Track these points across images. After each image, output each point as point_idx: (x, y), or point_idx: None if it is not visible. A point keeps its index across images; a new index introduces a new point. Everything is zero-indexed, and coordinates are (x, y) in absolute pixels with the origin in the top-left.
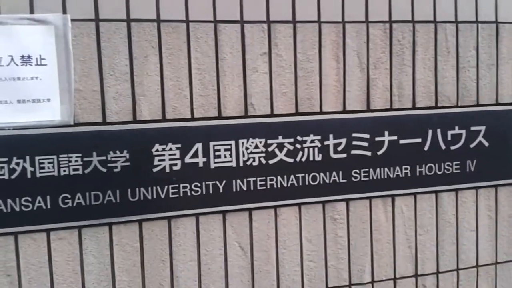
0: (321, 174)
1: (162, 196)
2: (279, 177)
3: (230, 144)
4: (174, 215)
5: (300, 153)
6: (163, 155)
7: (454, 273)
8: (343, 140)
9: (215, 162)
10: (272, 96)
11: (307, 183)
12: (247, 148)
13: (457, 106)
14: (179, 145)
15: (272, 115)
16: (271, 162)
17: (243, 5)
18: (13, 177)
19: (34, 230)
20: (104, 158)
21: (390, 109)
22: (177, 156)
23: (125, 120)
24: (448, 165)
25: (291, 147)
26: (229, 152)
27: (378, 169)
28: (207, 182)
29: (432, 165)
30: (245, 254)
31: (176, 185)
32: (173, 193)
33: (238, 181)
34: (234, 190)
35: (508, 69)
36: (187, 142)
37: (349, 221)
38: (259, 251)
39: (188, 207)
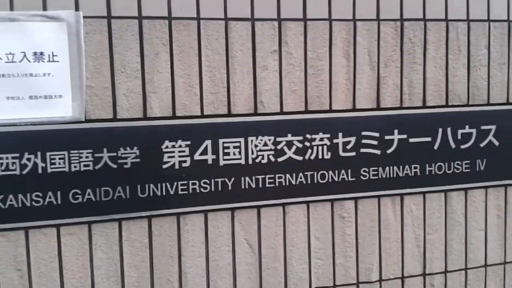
0: (330, 172)
1: (171, 192)
2: (287, 175)
3: (239, 142)
4: (183, 212)
5: (309, 151)
6: (173, 152)
7: (462, 272)
8: (353, 139)
9: (224, 159)
10: (282, 94)
11: (315, 181)
12: (256, 146)
13: (467, 105)
14: (188, 142)
15: (281, 113)
16: (280, 159)
17: (254, 3)
18: (24, 172)
19: (44, 225)
20: (114, 154)
21: (400, 108)
22: (187, 153)
23: (135, 117)
24: (457, 164)
25: (300, 145)
26: (238, 150)
27: (387, 168)
28: (216, 179)
29: (442, 164)
30: (253, 251)
31: (185, 182)
32: (182, 190)
33: (247, 178)
34: (242, 187)
35: None
36: (197, 139)
37: (358, 219)
38: (267, 248)
39: (197, 204)
